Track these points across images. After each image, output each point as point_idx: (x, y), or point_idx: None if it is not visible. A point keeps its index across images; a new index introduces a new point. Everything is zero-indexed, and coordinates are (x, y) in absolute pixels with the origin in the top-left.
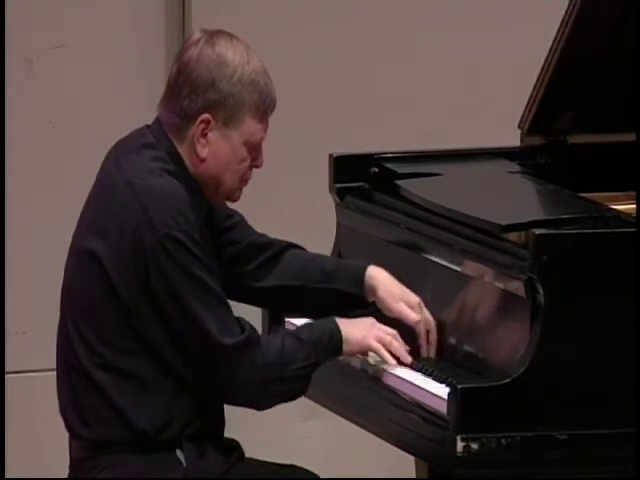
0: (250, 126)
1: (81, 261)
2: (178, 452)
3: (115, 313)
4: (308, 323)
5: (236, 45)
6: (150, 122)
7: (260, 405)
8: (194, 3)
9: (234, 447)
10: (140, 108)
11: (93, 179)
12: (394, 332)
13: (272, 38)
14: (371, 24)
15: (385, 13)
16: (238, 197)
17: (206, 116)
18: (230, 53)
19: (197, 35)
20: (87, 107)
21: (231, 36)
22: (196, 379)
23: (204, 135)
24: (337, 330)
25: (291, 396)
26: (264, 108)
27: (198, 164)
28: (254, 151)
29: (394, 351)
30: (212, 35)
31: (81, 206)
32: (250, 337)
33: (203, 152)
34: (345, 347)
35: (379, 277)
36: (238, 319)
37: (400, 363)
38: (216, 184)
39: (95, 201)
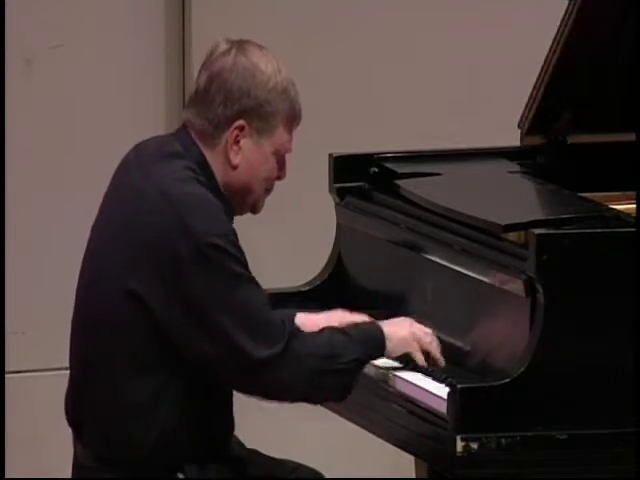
0: (281, 135)
1: (105, 278)
2: (179, 475)
3: (145, 330)
4: (352, 322)
5: (266, 54)
6: (150, 122)
7: (311, 399)
8: (194, 3)
9: (236, 454)
10: (140, 108)
11: (93, 179)
12: (431, 331)
13: (272, 38)
14: (371, 24)
15: (385, 13)
16: (261, 208)
17: (241, 122)
18: (263, 62)
19: (225, 45)
20: (87, 107)
21: (260, 46)
22: (244, 388)
23: (237, 142)
24: (380, 329)
25: (341, 392)
26: (294, 118)
27: (230, 171)
28: (280, 162)
29: (433, 351)
30: (242, 44)
31: (81, 206)
32: (294, 332)
33: (236, 159)
34: (388, 345)
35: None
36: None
37: (435, 365)
38: (245, 192)
39: (116, 211)
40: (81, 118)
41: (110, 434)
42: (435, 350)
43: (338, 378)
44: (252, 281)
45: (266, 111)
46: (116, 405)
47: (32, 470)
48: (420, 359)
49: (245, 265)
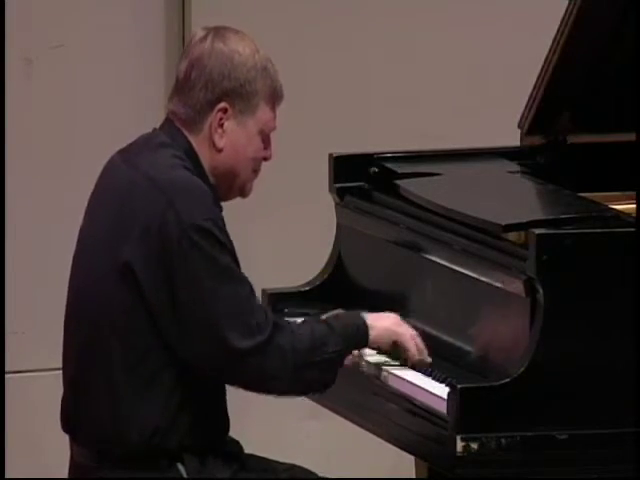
0: (264, 113)
1: (104, 268)
2: (179, 466)
3: (141, 317)
4: (335, 313)
5: (243, 38)
6: (150, 121)
7: (295, 392)
8: (194, 3)
9: (234, 452)
10: (140, 108)
11: (93, 179)
12: (415, 332)
13: (272, 38)
14: (371, 24)
15: (385, 13)
16: (250, 191)
17: (223, 105)
18: (240, 46)
19: (203, 32)
20: (87, 107)
21: (236, 30)
22: (226, 378)
23: (221, 125)
24: (363, 320)
25: (324, 383)
26: (276, 95)
27: (215, 155)
28: (265, 142)
29: (419, 345)
30: (219, 30)
31: (81, 205)
32: (278, 324)
33: (220, 142)
34: (372, 333)
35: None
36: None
37: (419, 362)
38: (232, 176)
39: (107, 205)
40: (81, 118)
41: (106, 429)
42: (421, 345)
43: (320, 370)
44: (238, 270)
45: (247, 91)
46: (112, 398)
47: (32, 470)
48: (413, 348)
49: (232, 253)
